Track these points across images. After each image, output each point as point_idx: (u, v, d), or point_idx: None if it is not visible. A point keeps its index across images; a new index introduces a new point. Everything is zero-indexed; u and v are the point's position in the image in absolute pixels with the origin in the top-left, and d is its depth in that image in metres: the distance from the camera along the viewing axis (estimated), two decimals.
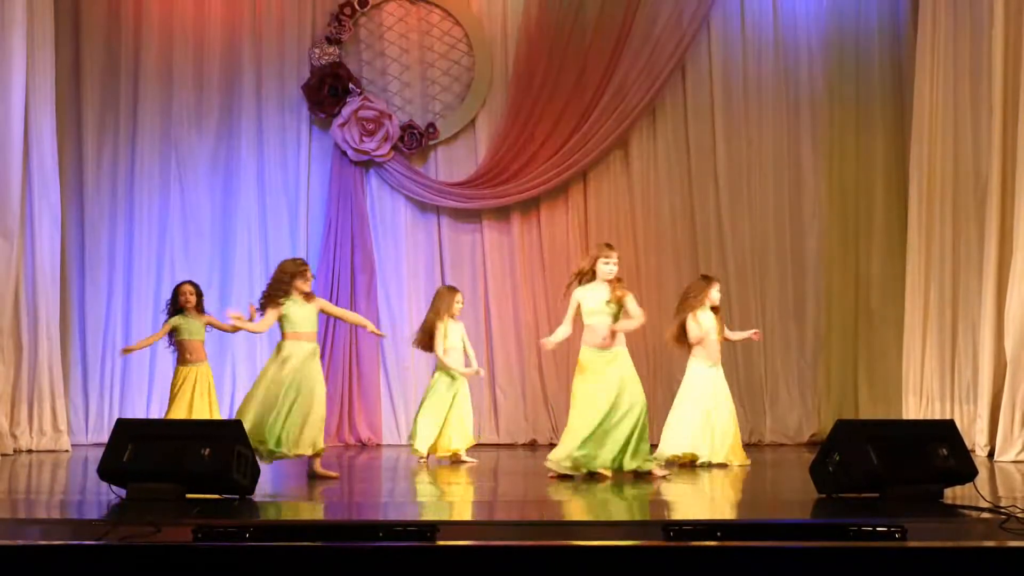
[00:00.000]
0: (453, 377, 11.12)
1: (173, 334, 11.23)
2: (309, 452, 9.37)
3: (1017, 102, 10.85)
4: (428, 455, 11.01)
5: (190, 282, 11.46)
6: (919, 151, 12.05)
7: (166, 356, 12.98)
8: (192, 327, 11.20)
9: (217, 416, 11.27)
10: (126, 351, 11.75)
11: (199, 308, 11.27)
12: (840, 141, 13.42)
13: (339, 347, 13.02)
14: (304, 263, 9.80)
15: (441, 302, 11.25)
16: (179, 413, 10.99)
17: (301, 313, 9.57)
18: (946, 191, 11.79)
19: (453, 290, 11.41)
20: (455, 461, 10.97)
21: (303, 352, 9.49)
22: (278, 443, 9.28)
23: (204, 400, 11.16)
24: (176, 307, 11.24)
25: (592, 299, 9.52)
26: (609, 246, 9.67)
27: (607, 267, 9.48)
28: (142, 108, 13.18)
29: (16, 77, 11.53)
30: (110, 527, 5.93)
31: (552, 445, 12.32)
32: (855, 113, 13.44)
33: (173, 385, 11.24)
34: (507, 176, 13.27)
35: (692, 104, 13.48)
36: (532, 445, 12.86)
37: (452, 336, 11.17)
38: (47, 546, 5.55)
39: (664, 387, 12.98)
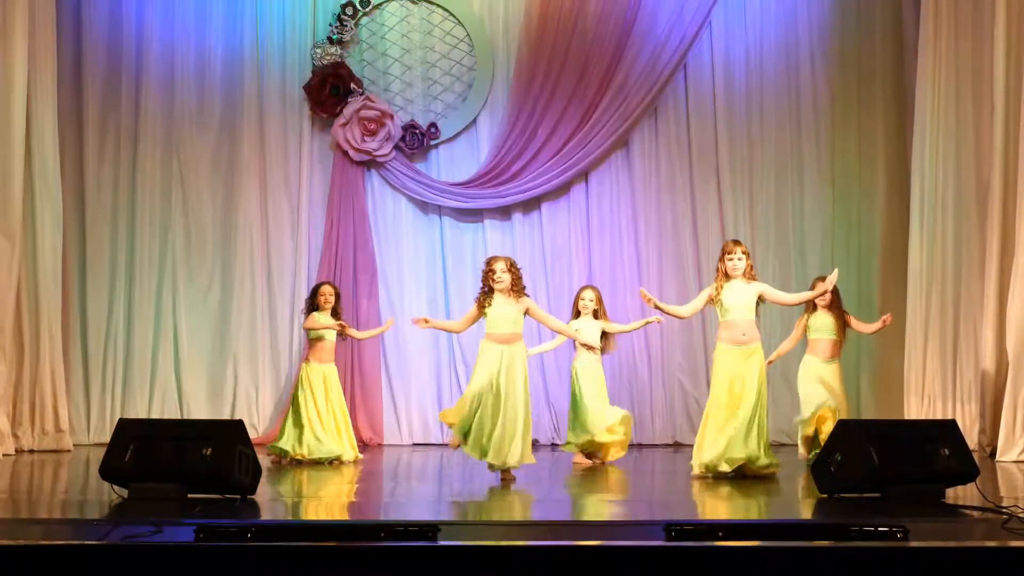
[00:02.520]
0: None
1: (311, 331, 11.21)
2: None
3: (1019, 102, 10.85)
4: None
5: (330, 283, 11.49)
6: (921, 151, 12.04)
7: (168, 356, 13.03)
8: (328, 323, 11.17)
9: (346, 412, 11.22)
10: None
11: (335, 311, 11.24)
12: (842, 140, 13.42)
13: (340, 347, 13.00)
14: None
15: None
16: (309, 410, 10.95)
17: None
18: (948, 191, 11.79)
19: (583, 288, 11.44)
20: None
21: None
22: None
23: (328, 400, 11.08)
24: (313, 306, 11.23)
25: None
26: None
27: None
28: (143, 108, 13.18)
29: (18, 76, 11.51)
30: (112, 527, 5.94)
31: (554, 445, 12.37)
32: (857, 113, 13.43)
33: (297, 384, 11.18)
34: (509, 176, 13.27)
35: (694, 104, 13.48)
36: (533, 444, 12.81)
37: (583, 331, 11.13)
38: (49, 546, 5.55)
39: (665, 387, 13.07)
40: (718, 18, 13.45)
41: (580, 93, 13.27)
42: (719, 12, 13.43)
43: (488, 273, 9.46)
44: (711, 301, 9.70)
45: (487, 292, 9.45)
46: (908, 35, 13.11)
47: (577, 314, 11.18)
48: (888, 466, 7.58)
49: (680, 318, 10.34)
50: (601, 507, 8.50)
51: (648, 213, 13.38)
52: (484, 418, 9.20)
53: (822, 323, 10.87)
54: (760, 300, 9.68)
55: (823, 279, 10.84)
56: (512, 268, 9.46)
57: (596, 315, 11.16)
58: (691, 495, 8.76)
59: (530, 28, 13.32)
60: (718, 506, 8.25)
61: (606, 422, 10.93)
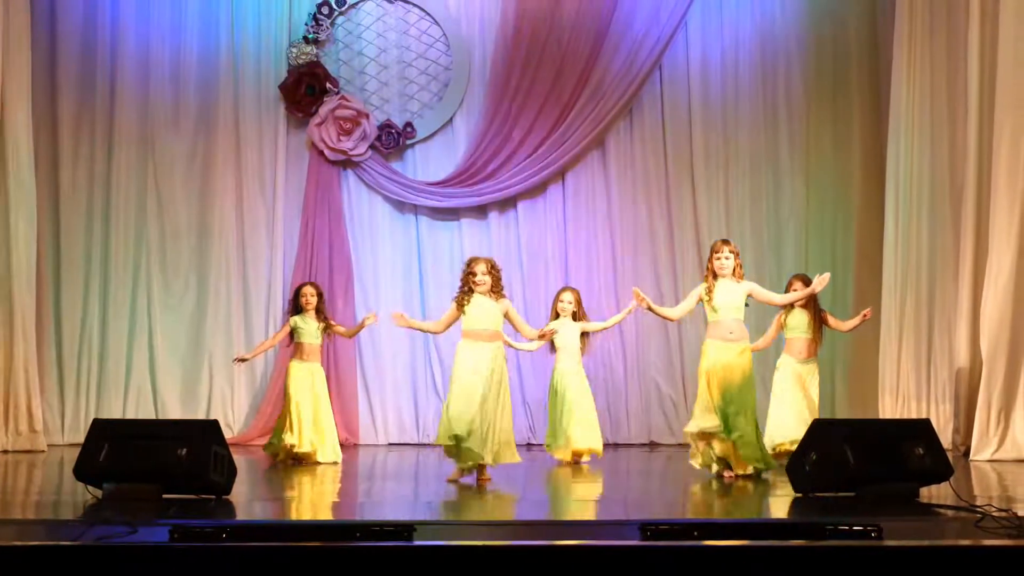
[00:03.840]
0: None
1: (292, 333, 11.17)
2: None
3: (993, 103, 10.89)
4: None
5: (311, 283, 11.43)
6: (896, 151, 12.09)
7: (142, 356, 12.99)
8: (311, 329, 11.13)
9: (330, 413, 11.18)
10: (240, 360, 11.59)
11: (319, 311, 11.20)
12: (817, 141, 13.46)
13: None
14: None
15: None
16: (294, 407, 10.90)
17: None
18: (922, 191, 11.84)
19: (562, 289, 11.43)
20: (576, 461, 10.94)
21: None
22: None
23: (316, 396, 11.04)
24: (296, 308, 11.18)
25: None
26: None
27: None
28: (118, 108, 13.12)
29: None
30: (86, 527, 5.92)
31: (529, 444, 12.35)
32: (832, 113, 13.49)
33: (287, 381, 11.12)
34: (485, 175, 13.27)
35: (669, 104, 13.50)
36: None
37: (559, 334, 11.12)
38: (22, 547, 5.53)
39: (642, 387, 13.11)
40: (694, 18, 13.49)
41: (556, 93, 13.29)
42: (695, 12, 13.46)
43: (468, 275, 9.41)
44: (701, 301, 9.67)
45: (466, 292, 9.40)
46: (883, 35, 13.15)
47: (556, 315, 11.16)
48: (863, 465, 7.60)
49: (670, 320, 10.34)
50: (577, 507, 8.50)
51: (623, 212, 13.40)
52: (480, 422, 9.10)
53: (798, 321, 10.89)
54: (749, 299, 9.67)
55: (800, 276, 10.90)
56: (492, 270, 9.41)
57: (575, 317, 11.15)
58: (666, 495, 8.76)
59: (506, 27, 13.33)
60: (694, 506, 8.26)
61: (591, 436, 10.99)
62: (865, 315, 10.91)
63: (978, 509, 6.82)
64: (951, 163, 11.61)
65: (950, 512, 7.05)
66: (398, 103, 13.50)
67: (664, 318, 10.17)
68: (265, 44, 13.40)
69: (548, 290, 12.86)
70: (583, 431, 10.95)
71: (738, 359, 9.46)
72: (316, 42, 13.33)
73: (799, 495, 7.86)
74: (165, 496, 7.47)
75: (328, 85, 13.24)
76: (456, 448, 9.02)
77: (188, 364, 13.08)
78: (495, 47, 13.39)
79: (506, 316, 9.42)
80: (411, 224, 13.43)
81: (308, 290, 11.20)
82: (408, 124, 13.38)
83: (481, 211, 13.40)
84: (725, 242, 9.72)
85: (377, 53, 13.53)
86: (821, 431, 7.96)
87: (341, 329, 11.49)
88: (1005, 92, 10.75)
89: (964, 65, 11.27)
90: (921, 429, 8.01)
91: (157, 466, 7.49)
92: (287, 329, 11.19)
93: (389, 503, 8.48)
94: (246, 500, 8.10)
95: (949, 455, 8.24)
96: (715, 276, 9.59)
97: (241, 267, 13.21)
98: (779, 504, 8.14)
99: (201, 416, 12.71)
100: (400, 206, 13.41)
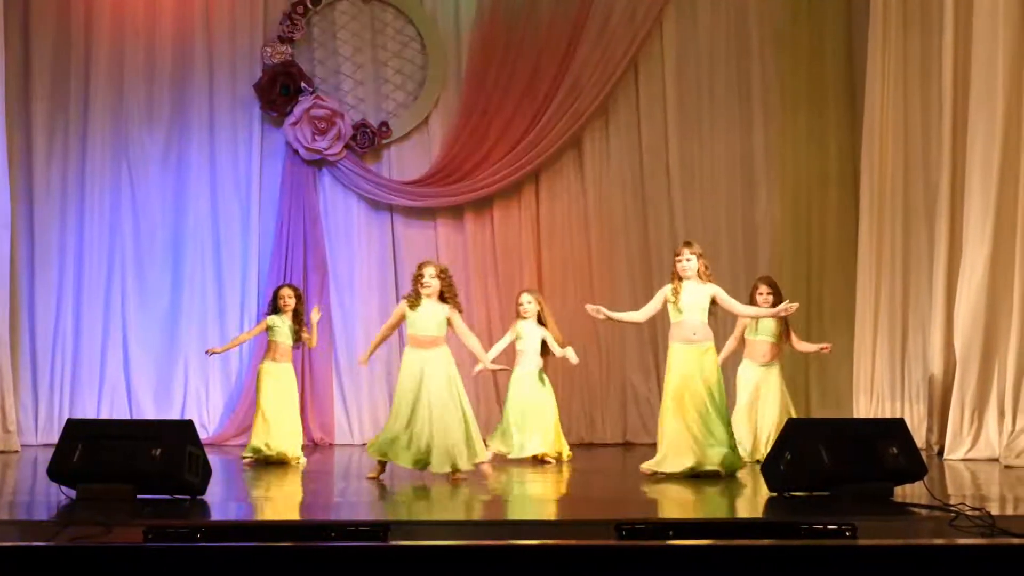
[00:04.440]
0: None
1: (268, 332, 11.13)
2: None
3: (967, 104, 10.92)
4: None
5: (290, 285, 11.39)
6: (870, 152, 12.13)
7: (116, 356, 12.94)
8: (286, 329, 11.08)
9: (297, 415, 11.17)
10: (213, 352, 11.51)
11: (296, 312, 11.14)
12: (792, 140, 13.48)
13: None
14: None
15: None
16: (267, 408, 10.86)
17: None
18: (897, 192, 11.89)
19: (520, 292, 11.46)
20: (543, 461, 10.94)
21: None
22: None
23: (287, 397, 11.03)
24: (275, 308, 11.14)
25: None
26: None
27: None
28: (92, 106, 13.07)
29: None
30: (60, 528, 5.89)
31: None
32: (807, 114, 13.51)
33: (259, 381, 11.08)
34: (460, 175, 13.26)
35: (644, 103, 13.51)
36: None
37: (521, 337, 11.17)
38: None
39: (617, 386, 13.11)
40: (669, 17, 13.49)
41: (532, 92, 13.28)
42: (670, 11, 13.47)
43: (417, 277, 9.49)
44: (668, 302, 9.67)
45: (415, 296, 9.46)
46: (858, 39, 13.19)
47: (523, 318, 11.19)
48: (837, 464, 7.62)
49: (636, 323, 10.31)
50: (552, 506, 8.51)
51: (599, 213, 13.40)
52: (420, 431, 9.16)
53: (763, 325, 10.92)
54: (712, 303, 9.67)
55: (765, 279, 10.97)
56: (442, 275, 9.46)
57: (540, 318, 11.17)
58: (642, 494, 8.77)
59: (482, 26, 13.33)
60: (669, 505, 8.27)
61: (551, 441, 11.03)
62: (823, 348, 11.02)
63: (952, 508, 6.85)
64: (925, 165, 11.65)
65: (924, 511, 7.07)
66: (373, 102, 13.48)
67: (630, 323, 10.17)
68: (240, 43, 13.36)
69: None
70: (542, 437, 10.98)
71: (702, 359, 9.48)
72: (291, 41, 13.30)
73: (774, 494, 7.88)
74: (139, 496, 7.45)
75: (303, 84, 13.21)
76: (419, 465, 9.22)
77: (162, 364, 13.02)
78: (470, 46, 13.39)
79: (449, 324, 9.44)
80: (386, 224, 13.41)
81: (286, 292, 11.19)
82: (383, 123, 13.37)
83: (457, 211, 13.39)
84: (687, 244, 9.76)
85: (352, 52, 13.50)
86: (796, 431, 7.98)
87: (307, 336, 11.39)
88: (979, 94, 10.78)
89: (938, 68, 11.30)
90: (895, 428, 8.04)
91: (131, 466, 7.47)
92: (263, 325, 11.16)
93: (364, 503, 8.46)
94: (221, 500, 8.08)
95: (923, 454, 8.28)
96: (680, 278, 9.60)
97: (216, 267, 13.16)
98: (754, 503, 8.16)
99: (176, 416, 12.66)
100: (375, 206, 13.39)
